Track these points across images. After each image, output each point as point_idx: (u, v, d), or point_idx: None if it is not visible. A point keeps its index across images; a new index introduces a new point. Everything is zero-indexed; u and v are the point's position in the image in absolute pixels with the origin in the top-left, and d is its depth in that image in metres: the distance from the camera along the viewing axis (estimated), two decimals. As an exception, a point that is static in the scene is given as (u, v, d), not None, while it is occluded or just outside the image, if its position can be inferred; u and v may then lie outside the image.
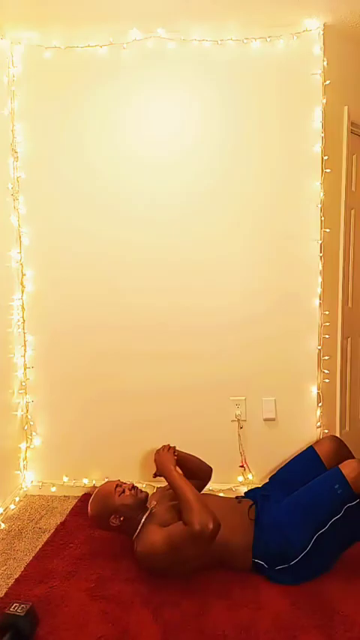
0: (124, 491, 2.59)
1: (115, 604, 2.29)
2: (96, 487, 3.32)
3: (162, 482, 2.81)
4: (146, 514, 2.57)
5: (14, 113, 3.26)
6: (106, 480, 3.08)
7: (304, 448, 3.06)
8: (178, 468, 2.67)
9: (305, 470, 2.82)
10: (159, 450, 2.84)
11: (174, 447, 2.85)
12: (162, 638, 2.09)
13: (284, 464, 3.09)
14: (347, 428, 3.52)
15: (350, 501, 2.36)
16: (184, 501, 2.43)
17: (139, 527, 2.52)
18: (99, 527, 2.67)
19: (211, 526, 2.29)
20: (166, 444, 2.89)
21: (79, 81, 3.23)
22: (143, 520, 2.54)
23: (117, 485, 2.62)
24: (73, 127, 3.25)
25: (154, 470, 2.77)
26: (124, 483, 2.66)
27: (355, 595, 2.32)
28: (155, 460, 2.78)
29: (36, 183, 3.30)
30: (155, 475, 2.77)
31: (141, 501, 2.60)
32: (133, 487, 2.64)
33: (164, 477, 2.66)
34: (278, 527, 2.45)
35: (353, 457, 2.81)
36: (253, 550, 2.46)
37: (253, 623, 2.15)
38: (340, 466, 2.48)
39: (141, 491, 2.64)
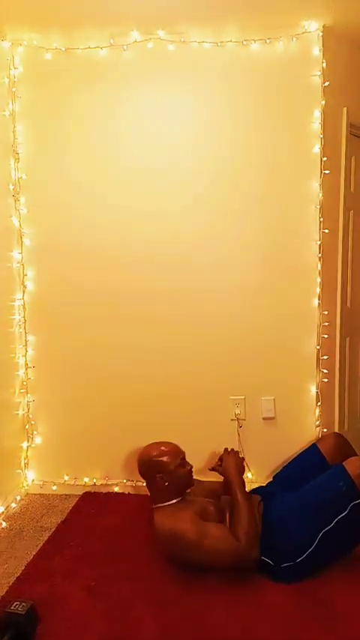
0: (185, 466, 2.67)
1: (116, 603, 2.31)
2: (96, 485, 3.37)
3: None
4: (181, 496, 2.62)
5: (15, 114, 3.27)
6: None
7: (304, 447, 3.08)
8: None
9: (309, 467, 2.83)
10: (230, 450, 2.87)
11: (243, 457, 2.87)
12: (162, 636, 2.11)
13: (287, 462, 3.11)
14: (346, 427, 3.53)
15: (355, 499, 2.37)
16: (240, 514, 2.46)
17: (169, 503, 2.57)
18: (142, 472, 2.72)
19: (253, 556, 2.38)
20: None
21: (79, 82, 3.24)
22: (177, 500, 2.59)
23: (183, 457, 2.69)
24: (73, 128, 3.26)
25: None
26: (188, 463, 2.72)
27: (356, 594, 2.34)
28: (225, 460, 2.79)
29: (37, 184, 3.31)
30: (213, 469, 2.81)
31: (188, 485, 2.67)
32: (191, 470, 2.71)
33: (230, 481, 2.65)
34: (284, 525, 2.46)
35: (356, 454, 2.82)
36: (260, 547, 2.46)
37: (253, 622, 2.17)
38: (344, 463, 2.49)
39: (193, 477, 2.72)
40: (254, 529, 2.42)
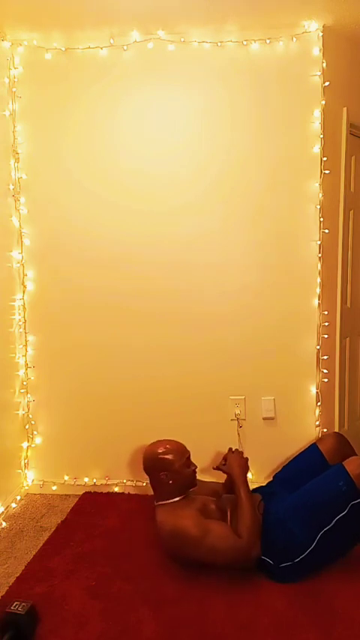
0: (189, 466, 2.67)
1: (116, 602, 2.31)
2: (96, 485, 3.37)
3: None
4: (184, 495, 2.62)
5: (15, 114, 3.27)
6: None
7: (304, 447, 3.08)
8: None
9: (309, 467, 2.83)
10: (234, 450, 2.87)
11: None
12: (162, 636, 2.11)
13: (287, 462, 3.11)
14: (346, 427, 3.53)
15: (355, 499, 2.37)
16: (243, 513, 2.47)
17: (171, 501, 2.58)
18: (147, 468, 2.72)
19: (254, 553, 2.39)
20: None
21: (79, 82, 3.23)
22: (179, 498, 2.59)
23: (188, 457, 2.69)
24: (73, 128, 3.26)
25: None
26: (193, 463, 2.72)
27: (355, 594, 2.34)
28: (229, 459, 2.79)
29: (37, 184, 3.31)
30: (217, 468, 2.81)
31: (192, 484, 2.67)
32: (195, 470, 2.70)
33: (235, 480, 2.65)
34: (283, 524, 2.46)
35: (356, 454, 2.83)
36: (260, 546, 2.46)
37: (252, 621, 2.18)
38: (344, 463, 2.49)
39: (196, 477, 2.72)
40: (256, 528, 2.43)
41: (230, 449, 2.89)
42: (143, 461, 2.74)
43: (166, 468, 2.62)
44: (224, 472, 2.78)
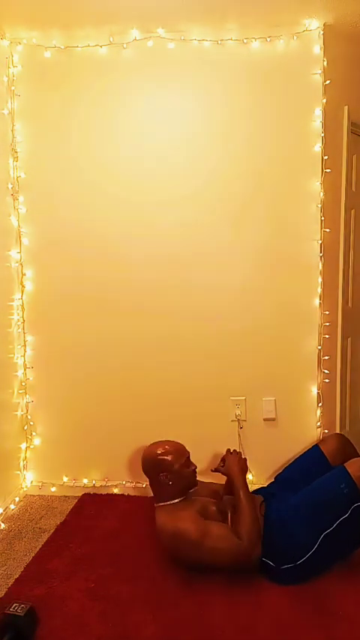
0: (189, 466, 2.65)
1: (115, 604, 2.29)
2: (95, 487, 3.35)
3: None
4: (184, 496, 2.60)
5: (14, 113, 3.25)
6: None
7: (305, 448, 3.07)
8: None
9: (311, 468, 2.81)
10: (232, 451, 2.85)
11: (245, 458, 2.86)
12: (161, 638, 2.09)
13: (289, 463, 3.09)
14: (347, 428, 3.51)
15: (357, 501, 2.34)
16: (243, 513, 2.44)
17: (171, 502, 2.56)
18: (146, 470, 2.71)
19: (254, 555, 2.36)
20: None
21: (79, 80, 3.22)
22: (179, 499, 2.57)
23: (187, 457, 2.68)
24: (73, 127, 3.24)
25: None
26: (193, 463, 2.71)
27: (356, 595, 2.32)
28: (229, 461, 2.76)
29: (36, 182, 3.29)
30: (216, 470, 2.78)
31: (192, 485, 2.66)
32: (195, 470, 2.69)
33: (234, 481, 2.63)
34: (285, 526, 2.44)
35: (359, 455, 2.81)
36: (262, 548, 2.44)
37: (253, 622, 2.16)
38: (345, 465, 2.47)
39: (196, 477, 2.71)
40: (257, 529, 2.40)
41: (228, 450, 2.87)
42: (142, 462, 2.73)
43: (166, 469, 2.60)
44: (223, 474, 2.76)
